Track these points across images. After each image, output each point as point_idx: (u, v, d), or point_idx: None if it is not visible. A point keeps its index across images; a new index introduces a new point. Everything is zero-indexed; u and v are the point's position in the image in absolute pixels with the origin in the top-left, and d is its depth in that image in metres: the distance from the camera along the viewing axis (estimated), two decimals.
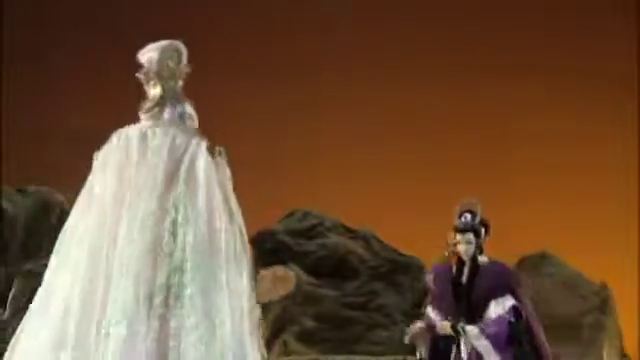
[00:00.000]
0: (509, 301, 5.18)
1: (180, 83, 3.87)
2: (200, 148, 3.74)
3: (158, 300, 3.52)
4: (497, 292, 5.18)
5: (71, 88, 10.97)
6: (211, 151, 3.78)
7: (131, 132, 3.75)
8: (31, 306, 3.69)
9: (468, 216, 5.35)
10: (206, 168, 3.71)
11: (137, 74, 3.83)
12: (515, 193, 12.29)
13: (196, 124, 3.85)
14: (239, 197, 3.88)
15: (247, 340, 3.68)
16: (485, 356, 5.17)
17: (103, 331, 3.49)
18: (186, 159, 3.70)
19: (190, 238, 3.59)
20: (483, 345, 5.19)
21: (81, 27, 11.49)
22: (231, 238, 3.71)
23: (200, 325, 3.54)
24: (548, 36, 13.11)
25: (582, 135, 12.79)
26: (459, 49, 13.13)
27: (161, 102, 3.80)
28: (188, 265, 3.56)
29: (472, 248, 5.29)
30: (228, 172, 3.83)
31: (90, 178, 3.76)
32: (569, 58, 13.09)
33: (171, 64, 3.84)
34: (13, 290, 10.07)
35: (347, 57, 12.90)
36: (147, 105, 3.82)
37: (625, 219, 11.83)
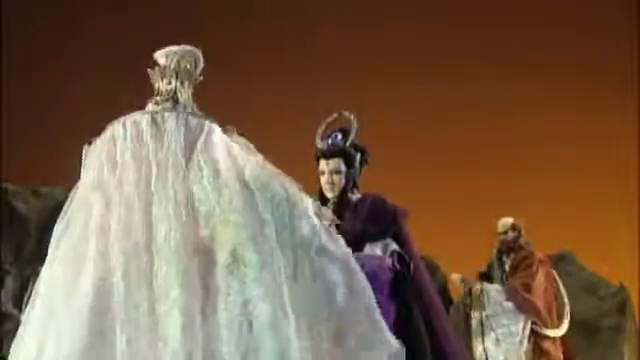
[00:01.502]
0: (389, 246, 3.92)
1: (191, 90, 3.81)
2: (213, 127, 3.67)
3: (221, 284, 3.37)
4: (372, 233, 3.92)
5: (84, 86, 10.92)
6: (224, 131, 3.73)
7: (137, 117, 3.71)
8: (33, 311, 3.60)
9: (338, 135, 4.11)
10: (222, 142, 3.62)
11: (149, 70, 3.82)
12: (517, 193, 12.30)
13: None
14: None
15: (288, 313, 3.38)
16: None
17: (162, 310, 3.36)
18: (202, 139, 3.60)
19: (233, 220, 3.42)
20: None
21: (92, 18, 11.43)
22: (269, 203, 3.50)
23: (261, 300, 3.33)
24: (547, 32, 13.12)
25: (584, 133, 12.80)
26: (458, 47, 13.14)
27: (174, 98, 3.78)
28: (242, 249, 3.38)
29: (341, 180, 4.04)
30: (244, 143, 3.74)
31: (90, 171, 3.68)
32: (569, 54, 13.10)
33: (189, 67, 3.80)
34: (28, 292, 10.03)
35: (347, 58, 12.90)
36: (159, 98, 3.78)
37: (627, 219, 11.86)
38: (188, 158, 3.55)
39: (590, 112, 12.72)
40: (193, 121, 3.66)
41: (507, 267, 7.57)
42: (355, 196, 4.10)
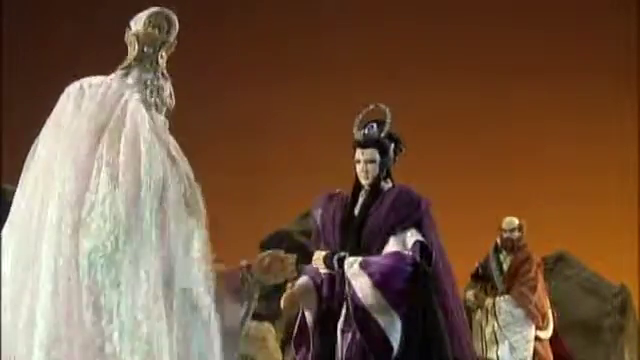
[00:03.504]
0: (414, 236, 4.00)
1: (162, 54, 3.56)
2: (132, 98, 3.40)
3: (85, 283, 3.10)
4: (397, 224, 4.01)
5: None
6: (146, 105, 3.43)
7: (70, 88, 3.56)
8: None
9: (374, 126, 4.23)
10: (136, 118, 3.33)
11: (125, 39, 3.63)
12: (518, 193, 12.30)
13: (165, 100, 3.51)
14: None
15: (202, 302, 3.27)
16: (363, 300, 3.81)
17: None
18: (118, 109, 3.36)
19: (119, 204, 3.16)
20: (360, 284, 3.82)
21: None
22: (177, 185, 3.26)
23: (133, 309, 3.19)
24: (547, 35, 13.12)
25: (584, 134, 12.79)
26: (457, 50, 13.14)
27: (132, 65, 3.56)
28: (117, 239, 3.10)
29: (375, 169, 4.15)
30: (163, 121, 3.45)
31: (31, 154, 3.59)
32: (568, 56, 13.09)
33: (154, 30, 3.54)
34: None
35: (362, 59, 12.89)
36: (120, 66, 3.61)
37: (627, 219, 11.86)
38: (99, 130, 3.38)
39: (590, 113, 12.73)
40: (113, 88, 3.44)
41: (505, 265, 7.59)
42: (387, 185, 4.20)
